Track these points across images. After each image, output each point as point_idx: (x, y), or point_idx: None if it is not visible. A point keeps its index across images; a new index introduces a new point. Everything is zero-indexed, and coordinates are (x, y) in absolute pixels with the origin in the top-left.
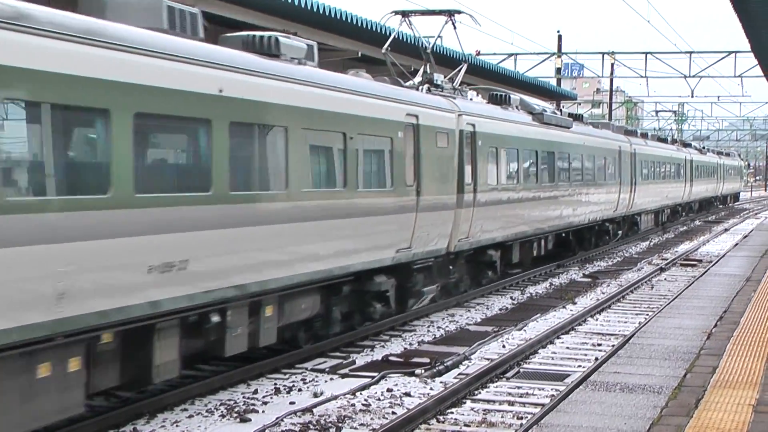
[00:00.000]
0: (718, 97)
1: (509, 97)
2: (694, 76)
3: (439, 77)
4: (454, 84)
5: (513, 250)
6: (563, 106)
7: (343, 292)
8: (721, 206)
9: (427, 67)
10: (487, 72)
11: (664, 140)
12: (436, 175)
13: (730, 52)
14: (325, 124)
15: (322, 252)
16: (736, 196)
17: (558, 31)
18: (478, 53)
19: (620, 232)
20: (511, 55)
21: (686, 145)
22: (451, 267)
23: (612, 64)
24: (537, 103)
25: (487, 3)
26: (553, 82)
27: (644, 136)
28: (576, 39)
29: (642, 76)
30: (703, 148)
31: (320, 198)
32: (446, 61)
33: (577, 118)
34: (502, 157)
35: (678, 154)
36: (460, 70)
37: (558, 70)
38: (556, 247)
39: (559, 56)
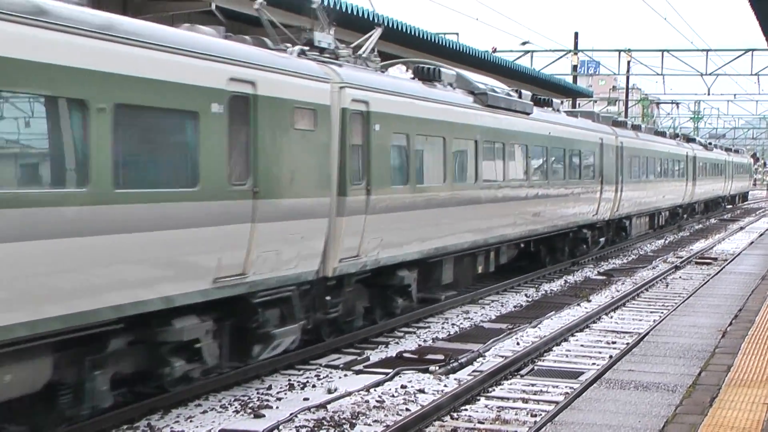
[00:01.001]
0: (735, 95)
1: (439, 71)
2: (710, 74)
3: (326, 39)
4: (362, 52)
5: (440, 269)
6: (579, 104)
7: (110, 349)
8: (729, 206)
9: (316, 27)
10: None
11: (661, 133)
12: (292, 169)
13: (747, 50)
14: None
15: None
16: (744, 196)
17: (576, 33)
18: (495, 50)
19: (603, 239)
20: (527, 52)
21: (690, 140)
22: (329, 297)
23: (628, 62)
24: (483, 81)
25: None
26: (570, 79)
27: (636, 128)
28: (592, 36)
29: (658, 74)
30: (709, 143)
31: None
32: (356, 24)
33: (546, 103)
34: (418, 148)
35: (678, 150)
36: (371, 36)
37: (574, 68)
38: (519, 259)
39: (576, 53)
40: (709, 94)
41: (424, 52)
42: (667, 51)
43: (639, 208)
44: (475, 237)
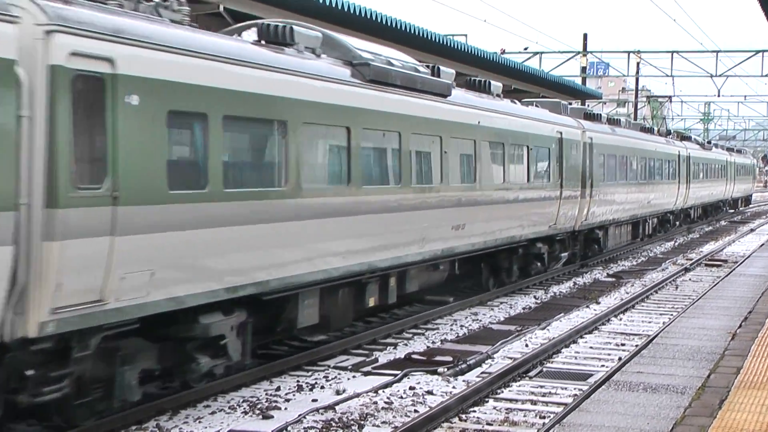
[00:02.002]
0: (745, 96)
1: (291, 30)
2: (720, 76)
3: None
4: None
5: (294, 308)
6: (588, 105)
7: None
8: (731, 211)
9: None
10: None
11: (647, 130)
12: None
13: (757, 51)
14: None
15: None
16: (747, 199)
17: (585, 34)
18: (503, 52)
19: (564, 255)
20: (535, 53)
21: (684, 138)
22: (34, 371)
23: (638, 63)
24: (375, 50)
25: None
26: (579, 81)
27: (614, 122)
28: (602, 38)
29: (668, 75)
30: (708, 142)
31: None
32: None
33: (481, 87)
34: (233, 136)
35: (668, 148)
36: None
37: (583, 69)
38: (452, 280)
39: (585, 55)
40: (719, 96)
41: (433, 53)
42: (677, 52)
43: (617, 216)
44: (352, 260)
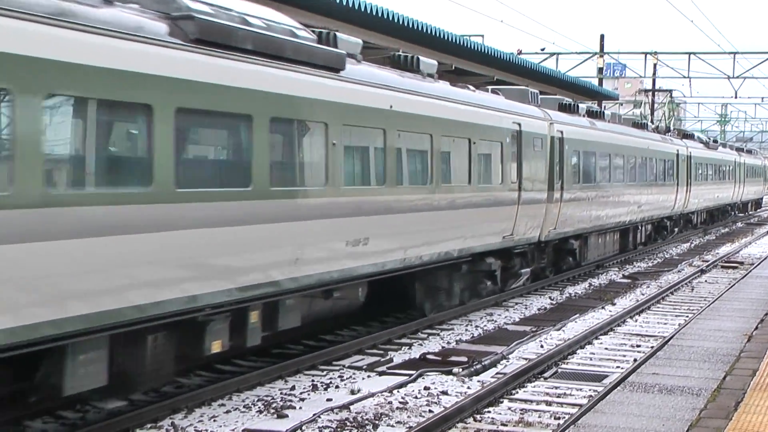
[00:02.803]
0: (762, 98)
1: None
2: (737, 77)
3: None
4: None
5: (60, 366)
6: (605, 107)
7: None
8: (741, 215)
9: None
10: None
11: (640, 126)
12: None
13: None
14: None
15: None
16: (758, 203)
17: (602, 35)
18: (520, 52)
19: (526, 270)
20: (552, 54)
21: (687, 136)
22: None
23: (654, 65)
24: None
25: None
26: (595, 82)
27: (596, 115)
28: (619, 39)
29: (685, 77)
30: (714, 141)
31: None
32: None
33: (404, 65)
34: None
35: (663, 147)
36: None
37: (600, 70)
38: (361, 309)
39: (601, 56)
40: (736, 97)
41: (449, 54)
42: (694, 53)
43: (598, 223)
44: (167, 293)
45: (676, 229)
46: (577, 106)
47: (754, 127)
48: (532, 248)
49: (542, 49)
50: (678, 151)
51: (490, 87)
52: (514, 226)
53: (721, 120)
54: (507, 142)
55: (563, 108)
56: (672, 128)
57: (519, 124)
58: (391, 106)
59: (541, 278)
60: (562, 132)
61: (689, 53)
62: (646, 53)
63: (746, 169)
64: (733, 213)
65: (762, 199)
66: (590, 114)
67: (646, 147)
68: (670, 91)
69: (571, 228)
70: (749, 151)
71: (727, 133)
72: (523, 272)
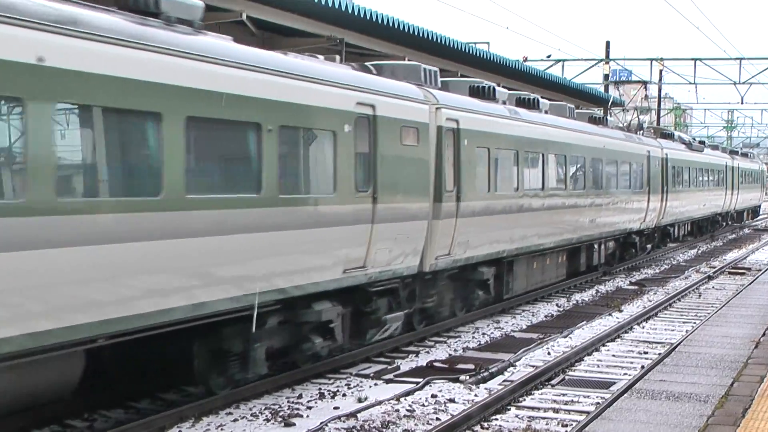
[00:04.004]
0: None
1: None
2: (743, 83)
3: None
4: None
5: None
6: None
7: None
8: (737, 225)
9: None
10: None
11: (597, 120)
12: None
13: None
14: None
15: None
16: (755, 211)
17: (607, 42)
18: (525, 59)
19: (395, 317)
20: (558, 61)
21: (666, 135)
22: None
23: (660, 71)
24: None
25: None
26: (601, 88)
27: (525, 104)
28: (624, 45)
29: (691, 83)
30: (701, 142)
31: None
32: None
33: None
34: None
35: (629, 147)
36: None
37: (606, 77)
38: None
39: (607, 62)
40: (742, 103)
41: (455, 61)
42: (700, 59)
43: (528, 243)
44: None
45: (649, 246)
46: (493, 90)
47: (761, 133)
48: (410, 283)
49: (548, 56)
50: (649, 152)
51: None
52: (369, 254)
53: (728, 126)
54: (346, 132)
55: (475, 92)
56: (647, 126)
57: (372, 106)
58: (194, 81)
59: (437, 320)
60: (457, 122)
61: (695, 59)
62: (651, 59)
63: (740, 173)
64: (725, 224)
65: (760, 207)
66: (520, 102)
67: (601, 146)
68: (645, 81)
69: (478, 251)
70: (744, 154)
71: (734, 139)
72: (389, 318)
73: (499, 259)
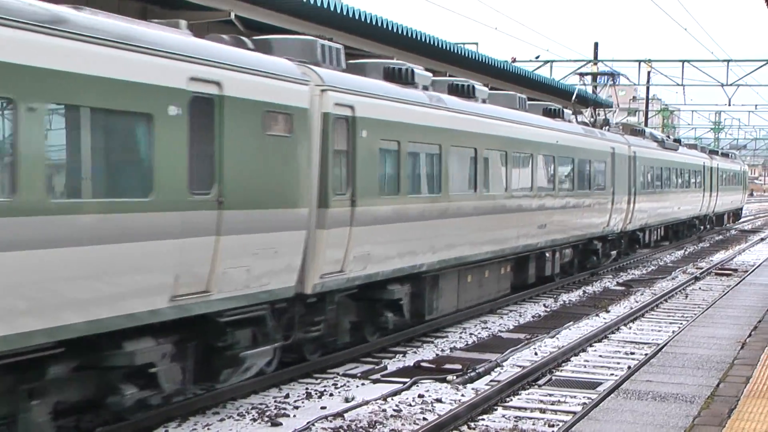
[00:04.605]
0: (756, 105)
1: None
2: (731, 85)
3: None
4: None
5: None
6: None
7: None
8: (716, 228)
9: None
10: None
11: (554, 113)
12: None
13: None
14: None
15: None
16: (736, 214)
17: (596, 43)
18: (514, 60)
19: (259, 352)
20: (546, 62)
21: (636, 131)
22: None
23: (648, 72)
24: None
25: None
26: (589, 89)
27: (458, 91)
28: (612, 46)
29: (678, 84)
30: (676, 140)
31: None
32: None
33: None
34: None
35: (589, 143)
36: None
37: (594, 78)
38: None
39: (595, 64)
40: (729, 105)
41: (443, 62)
42: (688, 61)
43: (456, 253)
44: None
45: (614, 253)
46: (411, 72)
47: (748, 135)
48: (285, 308)
49: (536, 57)
50: (614, 149)
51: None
52: (213, 275)
53: (715, 128)
54: (171, 116)
55: (391, 75)
56: (615, 123)
57: (217, 84)
58: None
59: (335, 350)
60: (352, 108)
61: (683, 61)
62: (640, 61)
63: (720, 174)
64: (702, 227)
65: (742, 209)
66: (453, 90)
67: (553, 142)
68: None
69: (384, 266)
70: (726, 154)
71: (721, 140)
72: (250, 355)
73: (418, 274)
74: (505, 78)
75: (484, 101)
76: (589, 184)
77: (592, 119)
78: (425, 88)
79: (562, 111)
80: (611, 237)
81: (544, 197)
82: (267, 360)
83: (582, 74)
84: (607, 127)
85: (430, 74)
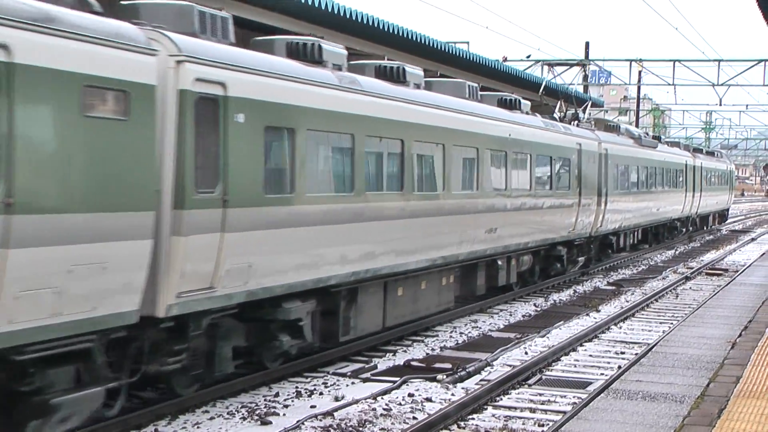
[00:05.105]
0: (747, 105)
1: None
2: (722, 85)
3: None
4: None
5: None
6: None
7: None
8: (701, 230)
9: None
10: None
11: (509, 104)
12: None
13: (760, 61)
14: None
15: None
16: (722, 215)
17: (587, 42)
18: (505, 59)
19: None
20: (537, 61)
21: (611, 127)
22: None
23: (639, 72)
24: None
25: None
26: (580, 89)
27: (389, 76)
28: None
29: (670, 84)
30: (656, 137)
31: None
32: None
33: None
34: None
35: (549, 138)
36: None
37: (585, 77)
38: None
39: (587, 63)
40: (720, 105)
41: (434, 60)
42: (679, 61)
43: (380, 263)
44: None
45: (581, 259)
46: (319, 48)
47: (739, 135)
48: (123, 339)
49: (528, 56)
50: (581, 145)
51: None
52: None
53: (706, 127)
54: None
55: (295, 53)
56: (587, 118)
57: (4, 48)
58: None
59: (213, 383)
60: (224, 86)
61: (674, 60)
62: (631, 60)
63: (704, 174)
64: (685, 230)
65: (728, 210)
66: (380, 73)
67: (505, 135)
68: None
69: (275, 280)
70: (711, 153)
71: (712, 140)
72: (65, 403)
73: (326, 289)
74: (497, 78)
75: (418, 86)
76: (551, 184)
77: (561, 113)
78: (337, 67)
79: (519, 102)
80: (578, 242)
81: (493, 198)
82: (96, 405)
83: (550, 63)
84: (575, 122)
85: (345, 52)
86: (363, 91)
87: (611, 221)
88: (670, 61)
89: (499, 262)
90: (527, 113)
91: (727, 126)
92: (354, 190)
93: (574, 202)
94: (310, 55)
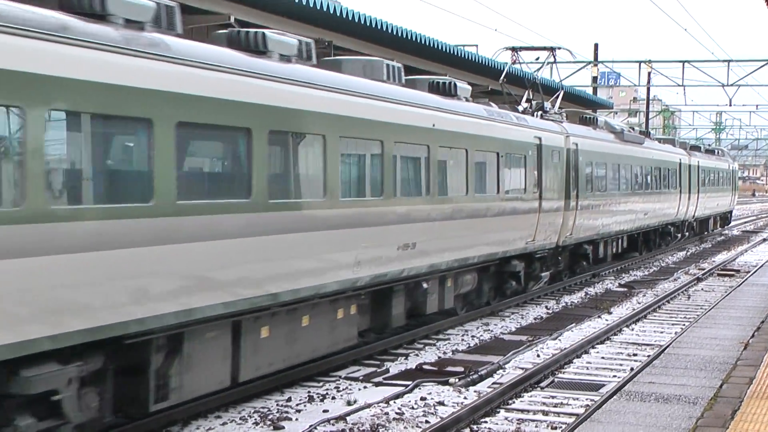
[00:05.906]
0: (757, 105)
1: None
2: (732, 85)
3: None
4: None
5: None
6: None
7: None
8: (702, 235)
9: None
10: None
11: (440, 91)
12: None
13: None
14: None
15: None
16: (724, 218)
17: (596, 44)
18: (514, 62)
19: None
20: (547, 63)
21: (586, 120)
22: None
23: (649, 73)
24: None
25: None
26: (590, 90)
27: (246, 48)
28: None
29: (679, 85)
30: (643, 132)
31: None
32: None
33: None
34: None
35: (501, 132)
36: None
37: (594, 79)
38: None
39: (596, 65)
40: (730, 105)
41: (443, 64)
42: (688, 62)
43: (213, 301)
44: None
45: (545, 274)
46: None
47: (750, 135)
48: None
49: (536, 59)
50: (541, 139)
51: None
52: None
53: (716, 128)
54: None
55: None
56: (556, 110)
57: None
58: None
59: None
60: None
61: (683, 61)
62: (640, 62)
63: (702, 173)
64: (680, 235)
65: (731, 213)
66: (232, 42)
67: (429, 126)
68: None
69: (7, 336)
70: (711, 151)
71: (723, 140)
72: None
73: (119, 339)
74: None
75: (287, 60)
76: (497, 186)
77: (527, 104)
78: (130, 23)
79: (455, 86)
80: (542, 254)
81: (408, 204)
82: None
83: (514, 49)
84: (539, 113)
85: (154, 5)
86: (173, 59)
87: (585, 228)
88: (680, 62)
89: (425, 285)
90: (467, 100)
91: (738, 126)
92: (154, 199)
93: (532, 207)
94: (243, 42)
